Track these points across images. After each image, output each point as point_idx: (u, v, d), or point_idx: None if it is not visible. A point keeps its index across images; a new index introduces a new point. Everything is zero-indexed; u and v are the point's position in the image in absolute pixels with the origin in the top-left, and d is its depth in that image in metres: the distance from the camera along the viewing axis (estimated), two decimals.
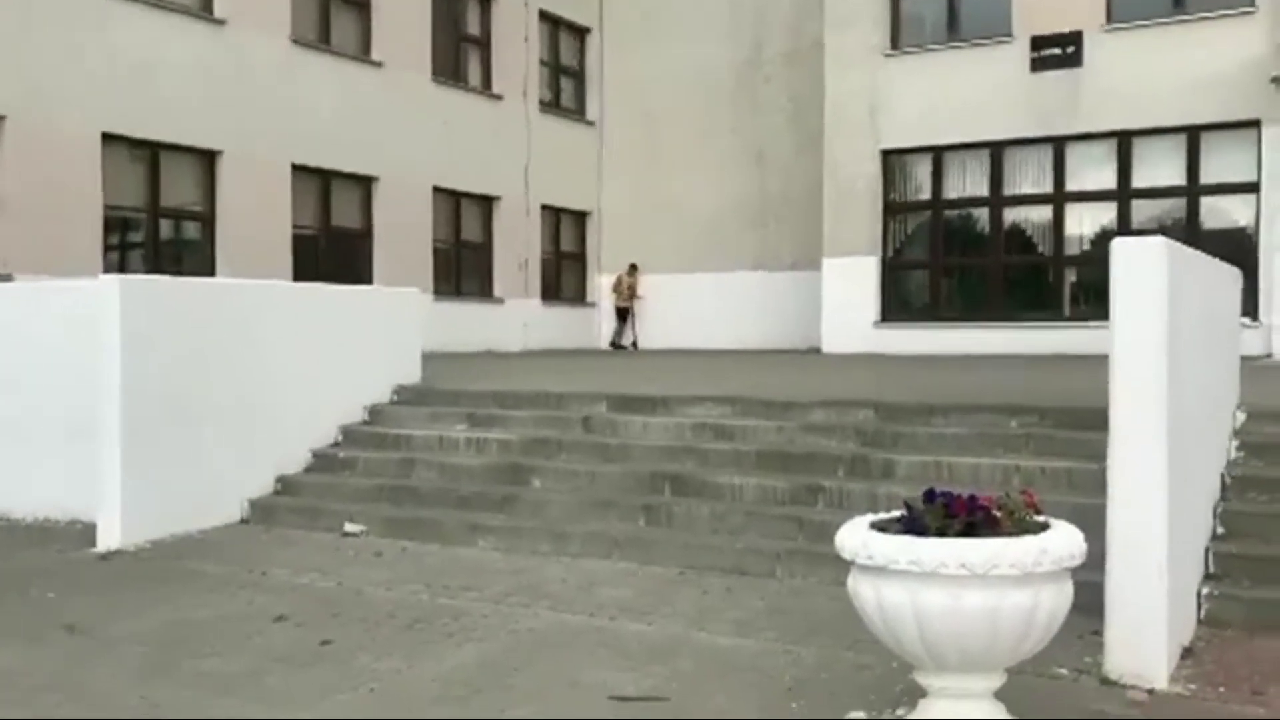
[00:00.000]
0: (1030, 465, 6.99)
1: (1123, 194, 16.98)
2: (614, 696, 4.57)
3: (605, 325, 23.11)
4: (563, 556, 7.11)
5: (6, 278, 13.04)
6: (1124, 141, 16.87)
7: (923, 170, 18.46)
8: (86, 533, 7.83)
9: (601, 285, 23.31)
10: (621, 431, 8.65)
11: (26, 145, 13.78)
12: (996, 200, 17.88)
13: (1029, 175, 17.71)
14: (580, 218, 23.41)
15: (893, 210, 18.63)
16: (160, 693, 4.64)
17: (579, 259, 23.46)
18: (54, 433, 8.50)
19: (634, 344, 22.08)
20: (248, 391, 8.53)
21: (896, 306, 18.55)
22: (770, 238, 21.11)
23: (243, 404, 8.49)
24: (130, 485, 7.68)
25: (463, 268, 20.72)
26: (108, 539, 7.63)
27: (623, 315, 22.37)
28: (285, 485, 8.77)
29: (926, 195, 18.46)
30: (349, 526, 7.91)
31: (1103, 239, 16.13)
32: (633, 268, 22.23)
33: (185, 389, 8.09)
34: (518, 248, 21.52)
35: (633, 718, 4.32)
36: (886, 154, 18.42)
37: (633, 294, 22.24)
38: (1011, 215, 17.97)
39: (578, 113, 23.27)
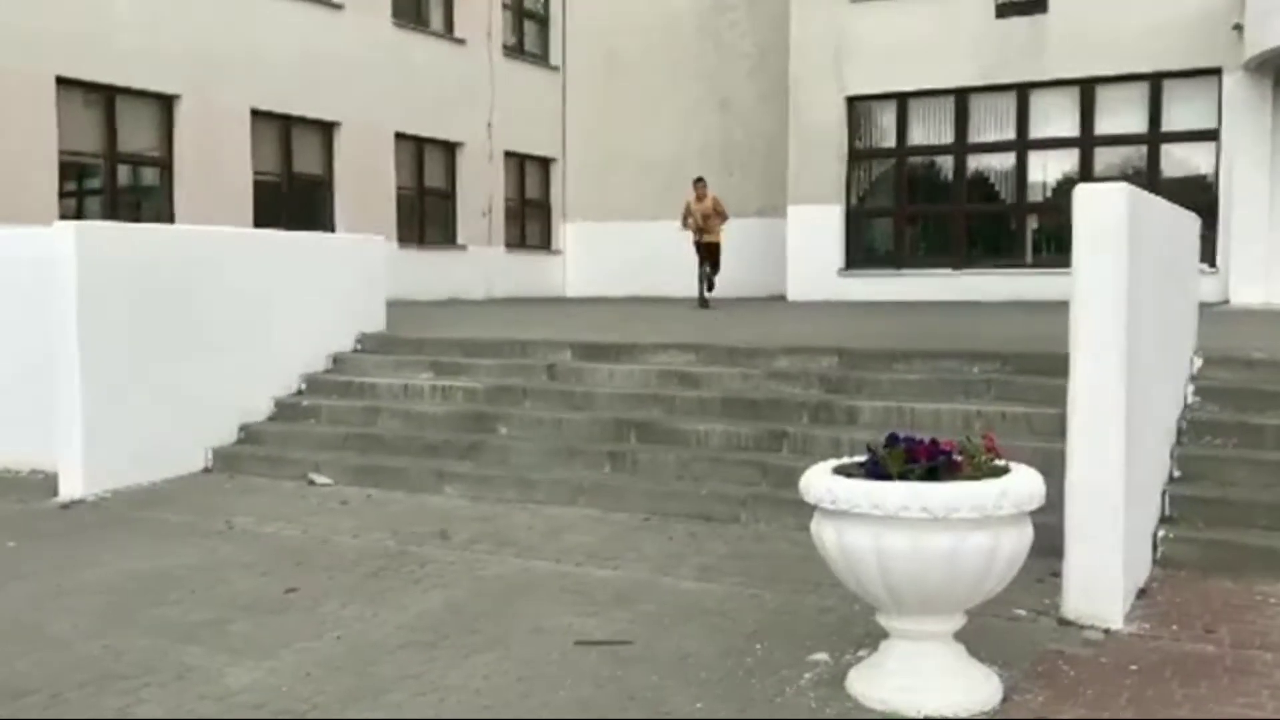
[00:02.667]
0: (991, 410, 7.06)
1: (1085, 141, 17.04)
2: (579, 641, 4.61)
3: (578, 273, 22.92)
4: (529, 503, 7.13)
5: None
6: (1087, 89, 16.89)
7: (887, 117, 18.42)
8: (48, 482, 7.77)
9: (566, 233, 23.15)
10: (587, 379, 8.65)
11: None
12: (960, 148, 17.88)
13: (992, 122, 17.71)
14: (544, 164, 23.20)
15: (857, 158, 18.61)
16: (123, 641, 4.63)
17: (543, 206, 23.28)
18: (13, 382, 8.39)
19: (702, 298, 15.70)
20: (209, 340, 8.44)
21: (861, 254, 18.58)
22: (734, 185, 20.98)
23: (204, 352, 8.40)
24: (91, 435, 7.61)
25: (426, 215, 20.50)
26: (69, 488, 7.57)
27: (701, 254, 15.81)
28: (248, 434, 8.71)
29: (891, 143, 18.43)
30: (316, 478, 7.88)
31: (1065, 186, 16.22)
32: (699, 183, 15.84)
33: (145, 338, 7.99)
34: (481, 195, 21.32)
35: (597, 661, 4.36)
36: (851, 101, 18.35)
37: (706, 223, 15.57)
38: (975, 163, 17.99)
39: (542, 58, 22.98)
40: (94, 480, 7.59)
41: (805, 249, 18.42)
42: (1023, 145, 17.48)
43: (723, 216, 15.79)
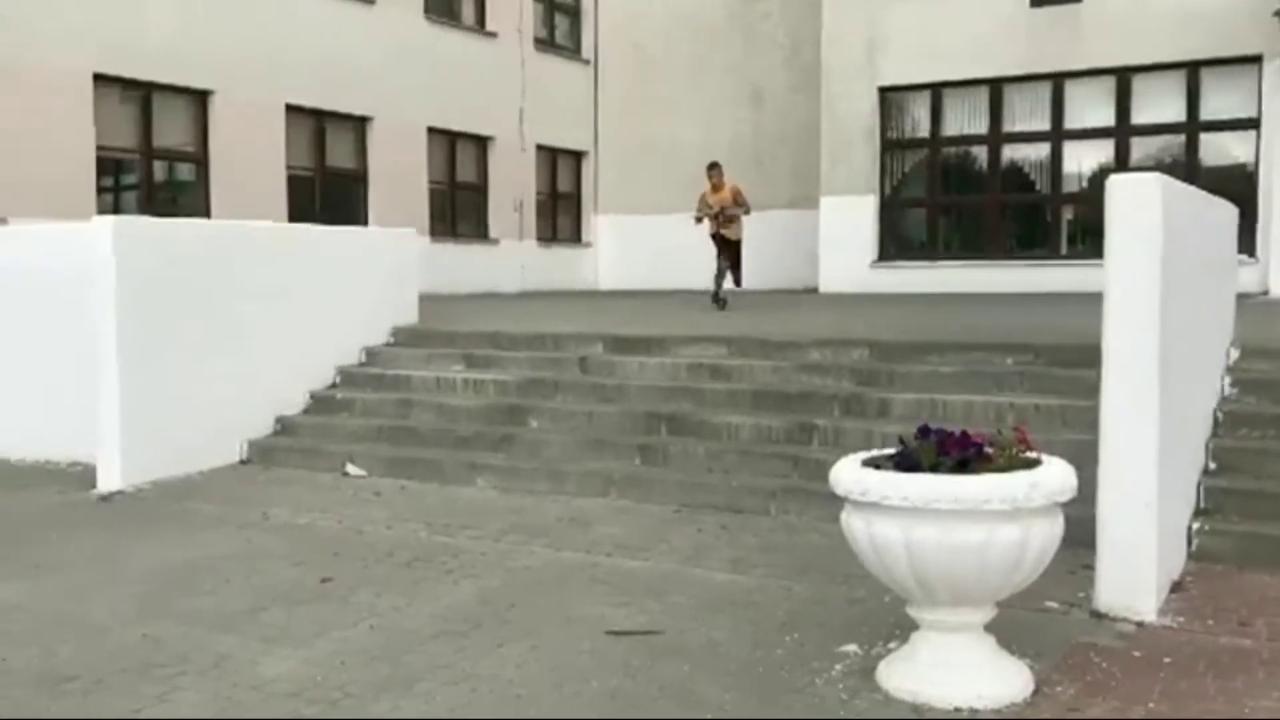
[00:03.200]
0: (1024, 403, 7.02)
1: (1122, 131, 16.85)
2: (610, 631, 4.63)
3: (609, 266, 22.96)
4: (560, 495, 7.17)
5: (0, 221, 12.99)
6: (1123, 78, 16.71)
7: (920, 108, 18.30)
8: (87, 474, 7.88)
9: (597, 227, 23.17)
10: (618, 372, 8.67)
11: (16, 87, 13.63)
12: (994, 138, 17.74)
13: (1027, 112, 17.56)
14: (576, 157, 23.23)
15: (890, 149, 18.50)
16: (161, 629, 4.70)
17: (574, 200, 23.32)
18: (53, 375, 8.51)
19: (716, 296, 13.40)
20: (244, 333, 8.53)
21: (894, 246, 18.48)
22: (766, 177, 20.92)
23: (240, 346, 8.49)
24: (129, 427, 7.72)
25: (458, 209, 20.60)
26: (108, 480, 7.68)
27: (720, 248, 13.76)
28: (284, 426, 8.80)
29: (924, 133, 18.31)
30: (351, 469, 7.95)
31: (1101, 177, 15.98)
32: (714, 169, 13.61)
33: (182, 331, 8.09)
34: (513, 188, 21.38)
35: (628, 651, 4.38)
36: (884, 91, 18.24)
37: (724, 214, 13.47)
38: (1009, 153, 17.85)
39: (573, 50, 23.00)
40: (132, 472, 7.69)
41: (837, 241, 18.34)
42: (1058, 135, 17.31)
43: (744, 209, 13.49)
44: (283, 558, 5.84)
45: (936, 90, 17.97)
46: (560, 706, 3.88)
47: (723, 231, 13.61)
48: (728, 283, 13.76)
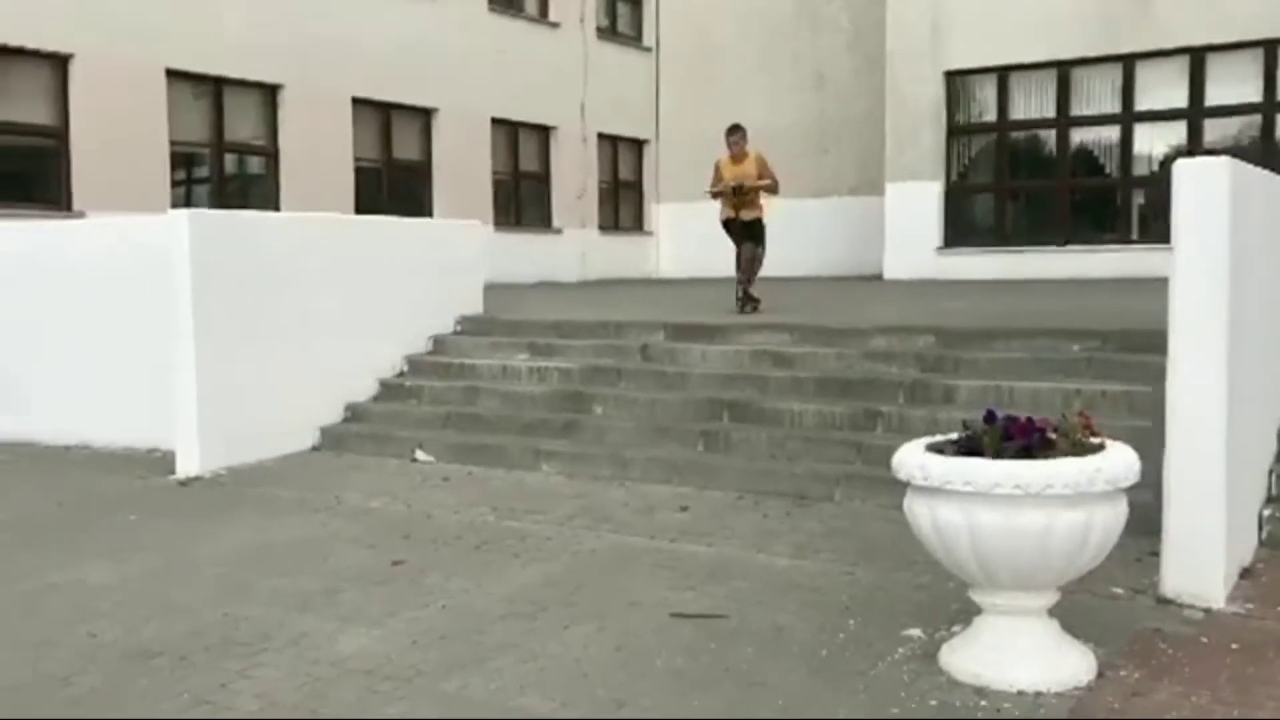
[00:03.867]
0: (1091, 389, 6.96)
1: (1194, 113, 16.51)
2: (675, 614, 4.71)
3: (670, 254, 22.99)
4: (624, 481, 7.25)
5: (79, 214, 13.37)
6: (1197, 57, 16.35)
7: (987, 91, 18.07)
8: (165, 460, 8.12)
9: (659, 215, 23.20)
10: (680, 359, 8.73)
11: (93, 83, 14.01)
12: (1063, 121, 17.47)
13: (1097, 95, 17.26)
14: (637, 146, 23.29)
15: (956, 133, 18.29)
16: (240, 608, 4.87)
17: (636, 188, 23.38)
18: (132, 364, 8.77)
19: (743, 295, 10.93)
20: (315, 323, 8.72)
21: (960, 231, 18.29)
22: (830, 163, 20.85)
23: (311, 335, 8.68)
24: (206, 415, 7.94)
25: (521, 198, 20.77)
26: (186, 466, 7.91)
27: (737, 236, 11.27)
28: (354, 413, 8.99)
29: (991, 117, 18.08)
30: (420, 455, 8.11)
31: (1172, 159, 15.69)
32: (735, 133, 11.20)
33: (256, 321, 8.29)
34: (575, 178, 21.50)
35: (693, 634, 4.45)
36: (950, 75, 18.04)
37: (742, 191, 11.00)
38: (1078, 136, 17.56)
39: (634, 39, 23.04)
40: (209, 458, 7.92)
41: (903, 227, 18.19)
42: (1128, 118, 17.00)
43: (770, 185, 10.98)
44: (355, 541, 6.00)
45: (1003, 73, 17.73)
46: (626, 685, 3.96)
47: (741, 215, 10.96)
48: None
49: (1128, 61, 16.80)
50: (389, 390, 9.29)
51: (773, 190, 11.18)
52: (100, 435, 8.94)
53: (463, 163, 19.00)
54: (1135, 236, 16.98)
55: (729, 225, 11.22)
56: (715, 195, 11.34)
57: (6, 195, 13.22)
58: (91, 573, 5.48)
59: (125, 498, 7.25)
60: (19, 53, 13.54)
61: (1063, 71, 17.31)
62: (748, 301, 10.81)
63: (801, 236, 20.75)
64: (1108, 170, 17.53)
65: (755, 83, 21.51)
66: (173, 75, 14.97)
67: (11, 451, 8.89)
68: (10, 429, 9.23)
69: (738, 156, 11.10)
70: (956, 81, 18.13)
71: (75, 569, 5.54)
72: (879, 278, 18.19)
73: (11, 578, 5.42)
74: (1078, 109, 17.35)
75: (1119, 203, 17.51)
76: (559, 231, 21.13)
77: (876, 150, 18.94)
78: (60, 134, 13.94)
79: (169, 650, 4.36)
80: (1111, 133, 17.23)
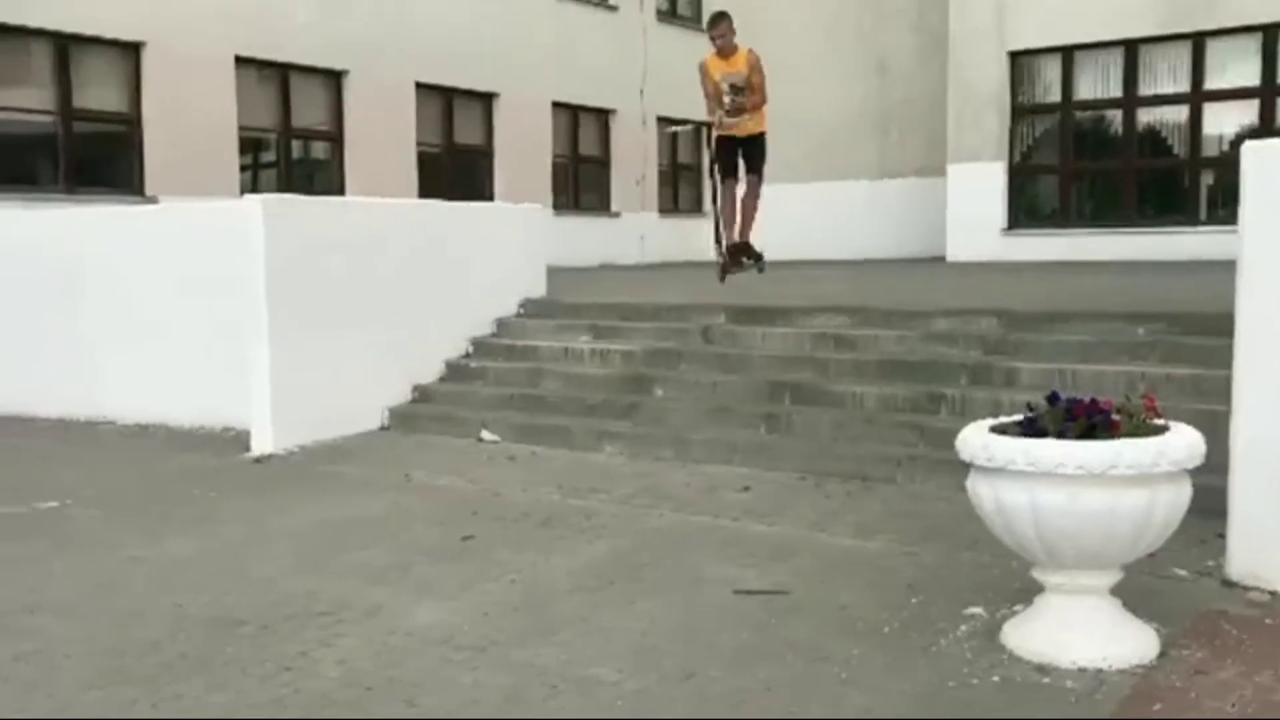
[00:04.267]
0: (1156, 372, 6.92)
1: (1266, 91, 16.17)
2: (738, 590, 4.80)
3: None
4: (686, 462, 7.34)
5: (152, 200, 13.73)
6: (1270, 34, 16.01)
7: (1052, 72, 17.84)
8: (239, 439, 8.36)
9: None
10: (741, 342, 8.79)
11: (165, 71, 14.35)
12: (1130, 101, 17.20)
13: (1165, 74, 16.97)
14: (697, 128, 23.27)
15: (1020, 114, 18.09)
16: (318, 580, 5.04)
17: (695, 171, 23.41)
18: (206, 345, 9.02)
19: (735, 248, 9.92)
20: (383, 305, 8.90)
21: (1024, 213, 18.11)
22: (892, 145, 20.74)
23: (379, 317, 8.87)
24: (279, 395, 8.16)
25: (580, 181, 20.91)
26: (260, 444, 8.14)
27: (727, 159, 9.76)
28: (421, 394, 9.18)
29: (1056, 97, 17.85)
30: (485, 435, 8.27)
31: (1243, 139, 15.44)
32: (720, 22, 9.71)
33: (326, 304, 8.49)
34: (635, 161, 21.58)
35: (756, 610, 4.54)
36: (1014, 55, 17.84)
37: (736, 99, 9.43)
38: (1146, 116, 17.28)
39: (694, 21, 23.02)
40: (283, 436, 8.14)
41: (966, 209, 18.05)
42: (1197, 97, 16.70)
43: (759, 89, 8.94)
44: (426, 517, 6.16)
45: (1068, 53, 17.50)
46: (691, 657, 4.06)
47: (733, 131, 8.58)
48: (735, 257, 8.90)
49: (1197, 39, 16.50)
50: (455, 371, 9.47)
51: (762, 98, 8.91)
52: (176, 414, 9.21)
53: (523, 146, 19.17)
54: (1203, 218, 16.70)
55: (721, 146, 8.83)
56: (719, 113, 8.70)
57: (84, 181, 13.61)
58: (174, 546, 5.70)
59: (203, 475, 7.49)
60: (94, 41, 13.91)
61: (1130, 50, 17.04)
62: (743, 256, 8.19)
63: (864, 220, 20.72)
64: (1175, 151, 17.25)
65: (817, 64, 21.42)
66: (241, 62, 15.28)
67: (93, 430, 9.20)
68: (91, 408, 9.55)
69: (725, 51, 8.85)
70: (1021, 62, 17.92)
71: (159, 543, 5.76)
72: (941, 260, 18.08)
73: (100, 550, 5.65)
74: (1145, 88, 17.08)
75: (1187, 184, 17.23)
76: (618, 214, 21.25)
77: (939, 132, 18.80)
78: (133, 120, 14.31)
79: (252, 619, 4.55)
80: (1180, 112, 16.94)
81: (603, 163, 21.25)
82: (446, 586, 4.92)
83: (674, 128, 10.49)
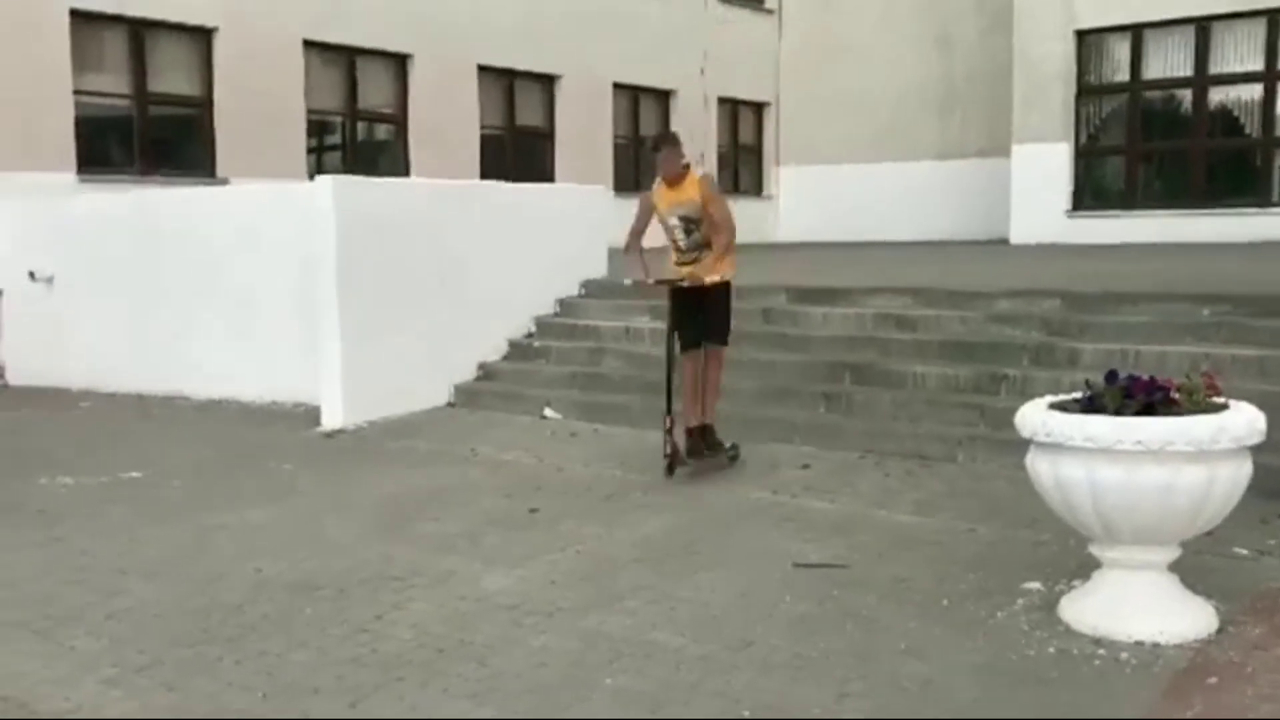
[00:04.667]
0: (1220, 353, 6.88)
1: None
2: (797, 564, 4.90)
3: (790, 218, 22.94)
4: (745, 441, 7.41)
5: (223, 181, 14.04)
6: None
7: (1120, 50, 17.54)
8: (310, 414, 8.60)
9: (778, 178, 23.14)
10: (801, 322, 8.85)
11: (236, 56, 14.63)
12: (1201, 80, 16.88)
13: (1237, 52, 16.63)
14: (757, 109, 23.25)
15: (1087, 93, 17.83)
16: (391, 548, 5.23)
17: (755, 151, 23.35)
18: (277, 323, 9.27)
19: (693, 436, 6.61)
20: (450, 285, 9.08)
21: (1090, 194, 17.87)
22: (955, 125, 20.53)
23: (446, 297, 9.05)
24: (349, 371, 8.38)
25: (641, 163, 20.95)
26: (331, 419, 8.37)
27: (681, 310, 6.89)
28: (486, 372, 9.36)
29: (1124, 76, 17.55)
30: (548, 412, 8.42)
31: None
32: (665, 145, 6.93)
33: (394, 284, 8.69)
34: (694, 142, 21.59)
35: (815, 582, 4.64)
36: (1081, 34, 17.57)
37: (691, 235, 6.89)
38: (1217, 96, 16.95)
39: (755, 0, 22.95)
40: (353, 412, 8.36)
41: (1030, 190, 17.83)
42: (1271, 76, 16.35)
43: (721, 224, 6.69)
44: (492, 490, 6.33)
45: (1138, 31, 17.20)
46: (752, 626, 4.17)
47: (690, 277, 6.62)
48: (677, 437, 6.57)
49: (1272, 16, 16.14)
50: (518, 350, 9.63)
51: (726, 230, 6.69)
52: (249, 390, 9.48)
53: (584, 128, 19.26)
54: (1276, 199, 16.37)
55: (676, 301, 6.71)
56: (628, 249, 6.97)
57: (158, 164, 13.95)
58: (253, 515, 5.92)
59: (277, 448, 7.72)
60: (168, 27, 14.22)
61: (1202, 28, 16.71)
62: (703, 445, 6.44)
63: (926, 201, 20.57)
64: (1247, 130, 16.90)
65: (878, 43, 21.26)
66: (309, 46, 15.52)
67: (171, 406, 9.51)
68: (169, 384, 9.86)
69: (673, 179, 6.75)
70: (1088, 40, 17.65)
71: (238, 511, 5.99)
72: (1005, 242, 17.91)
73: (182, 518, 5.89)
74: (1216, 67, 16.74)
75: (1258, 164, 16.88)
76: None
77: (1003, 112, 18.58)
78: (205, 104, 14.61)
79: (328, 584, 4.74)
80: (1252, 91, 16.59)
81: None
82: (514, 555, 5.08)
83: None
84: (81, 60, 13.33)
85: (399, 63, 16.78)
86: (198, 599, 4.61)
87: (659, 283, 6.91)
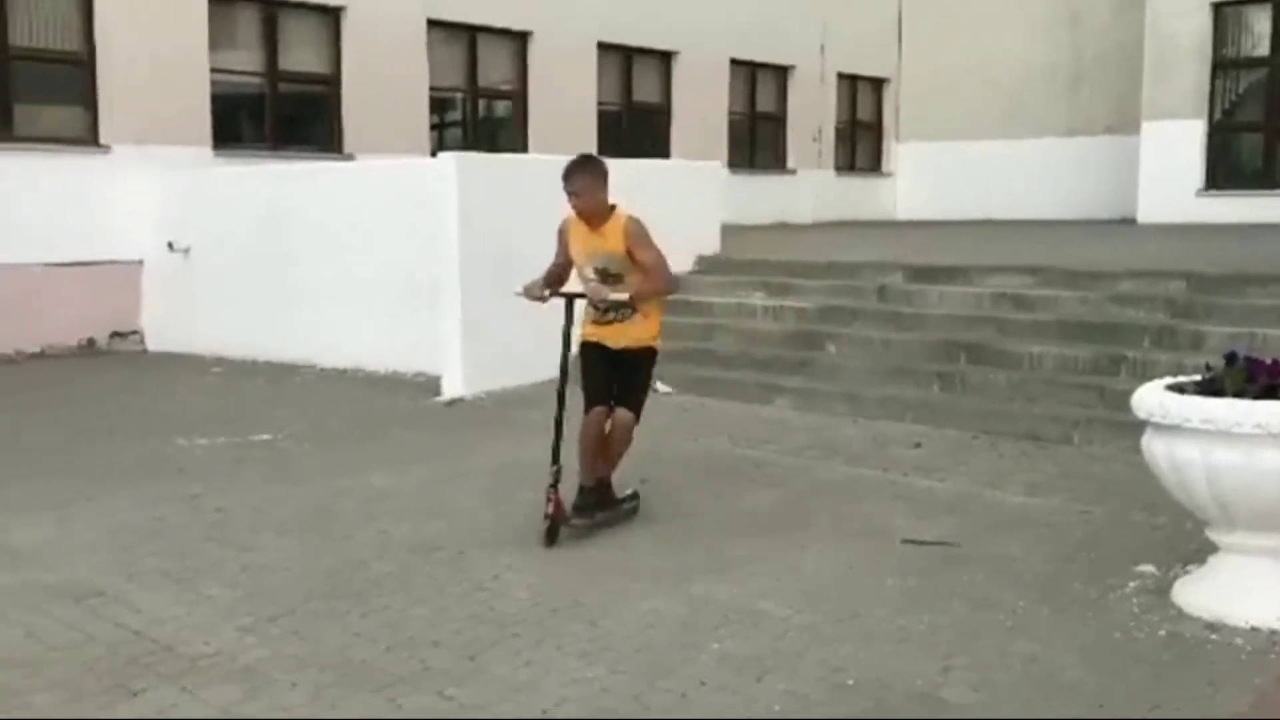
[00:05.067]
0: None
1: None
2: (906, 540, 4.93)
3: (908, 195, 22.63)
4: (857, 418, 7.44)
5: (349, 157, 14.48)
6: None
7: (1260, 22, 16.82)
8: (430, 384, 8.87)
9: (897, 155, 22.82)
10: (916, 301, 8.79)
11: (362, 35, 15.03)
12: None
13: None
14: (877, 85, 22.91)
15: (1222, 68, 17.15)
16: (507, 513, 5.42)
17: (874, 128, 23.04)
18: (400, 296, 9.56)
19: (582, 499, 5.20)
20: None
21: (1224, 173, 17.21)
22: (1083, 101, 19.96)
23: None
24: (469, 342, 8.61)
25: (756, 139, 20.88)
26: (451, 389, 8.63)
27: (596, 367, 5.66)
28: None
29: (1264, 50, 16.85)
30: (660, 386, 8.53)
31: None
32: (580, 172, 5.68)
33: (512, 256, 8.85)
34: (812, 118, 21.41)
35: (923, 559, 4.66)
36: (1218, 6, 16.90)
37: (604, 288, 5.57)
38: None
39: None
40: (472, 382, 8.60)
41: (1160, 168, 17.25)
42: None
43: (654, 274, 5.59)
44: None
45: (1279, 4, 16.47)
46: (858, 599, 4.23)
47: (610, 338, 5.61)
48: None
49: None
50: None
51: (662, 284, 5.64)
52: (371, 360, 9.80)
53: (700, 104, 19.27)
54: None
55: (588, 354, 5.69)
56: (541, 296, 5.91)
57: (288, 139, 14.45)
58: (377, 479, 6.17)
59: (399, 415, 8.01)
60: (298, 6, 14.69)
61: None
62: (595, 507, 5.21)
63: (1051, 178, 20.06)
64: None
65: (1004, 17, 20.75)
66: (433, 25, 15.86)
67: (300, 373, 9.90)
68: (295, 353, 10.25)
69: (592, 217, 5.66)
70: (1225, 13, 16.97)
71: (363, 475, 6.25)
72: (1132, 222, 17.39)
73: (311, 479, 6.17)
74: None
75: None
76: (794, 172, 21.14)
77: (1133, 87, 17.99)
78: (333, 81, 15.06)
79: (448, 545, 4.94)
80: None
81: (779, 120, 21.14)
82: (625, 523, 5.20)
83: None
84: (217, 39, 13.85)
85: (519, 40, 17.03)
86: (326, 557, 4.85)
87: (555, 294, 5.75)
